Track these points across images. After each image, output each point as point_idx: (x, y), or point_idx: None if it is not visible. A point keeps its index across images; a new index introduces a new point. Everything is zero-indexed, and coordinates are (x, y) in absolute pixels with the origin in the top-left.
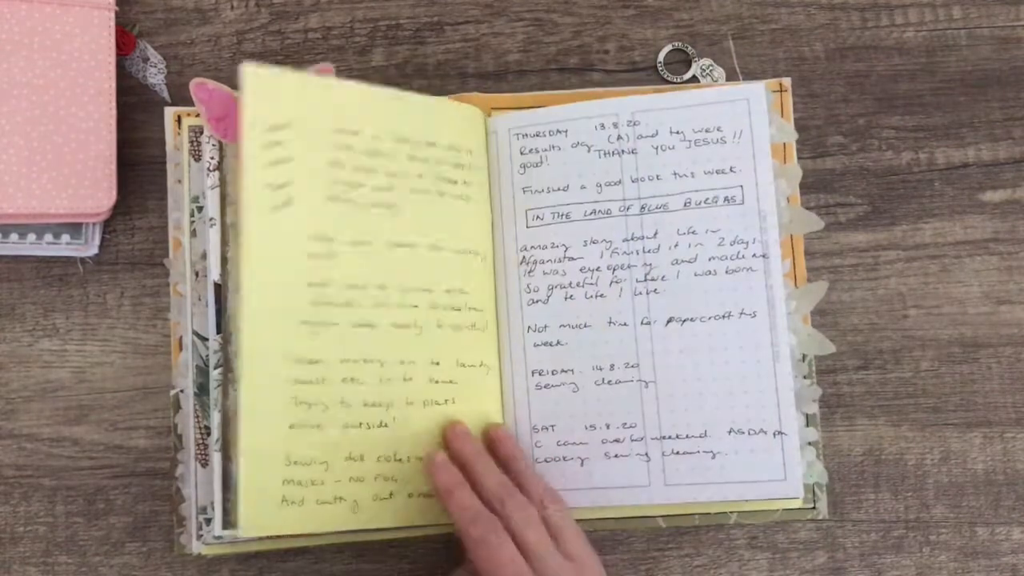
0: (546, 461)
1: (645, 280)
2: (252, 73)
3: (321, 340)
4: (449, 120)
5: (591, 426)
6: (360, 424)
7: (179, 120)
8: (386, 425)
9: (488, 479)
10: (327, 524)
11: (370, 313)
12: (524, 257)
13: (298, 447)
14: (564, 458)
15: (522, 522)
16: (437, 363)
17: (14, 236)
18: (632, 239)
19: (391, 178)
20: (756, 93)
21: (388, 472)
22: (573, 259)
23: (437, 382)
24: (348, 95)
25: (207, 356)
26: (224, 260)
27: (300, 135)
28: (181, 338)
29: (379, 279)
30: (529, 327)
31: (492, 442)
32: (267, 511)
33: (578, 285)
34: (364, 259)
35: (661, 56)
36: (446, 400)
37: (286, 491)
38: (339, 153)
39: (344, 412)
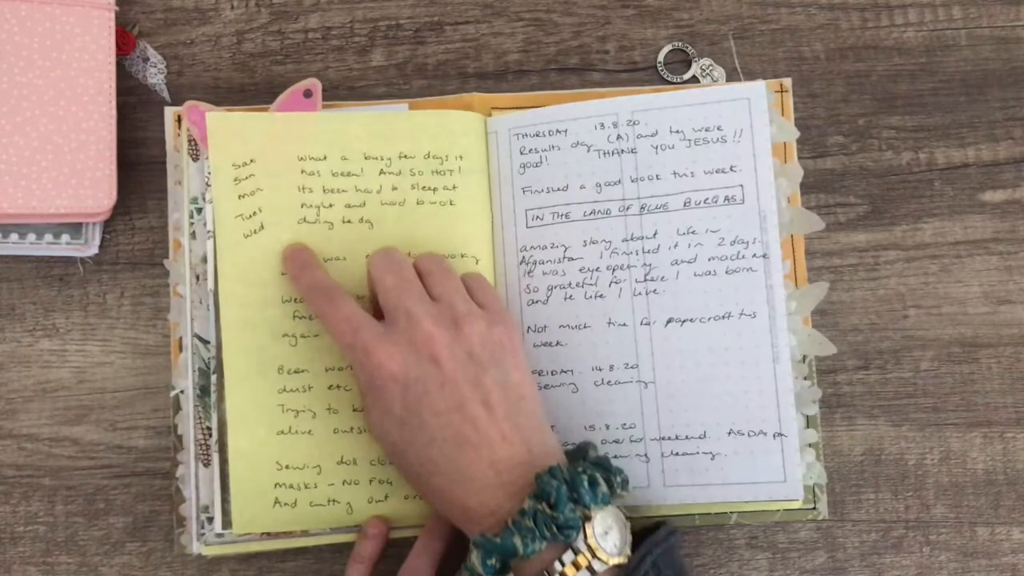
0: None
1: (645, 280)
2: (213, 117)
3: (303, 351)
4: (426, 131)
5: (590, 426)
6: (351, 429)
7: (179, 120)
8: None
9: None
10: (321, 524)
11: None
12: (524, 257)
13: (288, 452)
14: None
15: (439, 277)
16: None
17: (14, 236)
18: (632, 239)
19: (363, 194)
20: (757, 92)
21: (382, 475)
22: (573, 259)
23: None
24: (311, 125)
25: (209, 359)
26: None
27: (265, 168)
28: (181, 339)
29: (357, 291)
30: (529, 327)
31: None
32: (260, 513)
33: (578, 285)
34: (340, 273)
35: (661, 56)
36: None
37: (278, 494)
38: (306, 179)
39: (333, 418)
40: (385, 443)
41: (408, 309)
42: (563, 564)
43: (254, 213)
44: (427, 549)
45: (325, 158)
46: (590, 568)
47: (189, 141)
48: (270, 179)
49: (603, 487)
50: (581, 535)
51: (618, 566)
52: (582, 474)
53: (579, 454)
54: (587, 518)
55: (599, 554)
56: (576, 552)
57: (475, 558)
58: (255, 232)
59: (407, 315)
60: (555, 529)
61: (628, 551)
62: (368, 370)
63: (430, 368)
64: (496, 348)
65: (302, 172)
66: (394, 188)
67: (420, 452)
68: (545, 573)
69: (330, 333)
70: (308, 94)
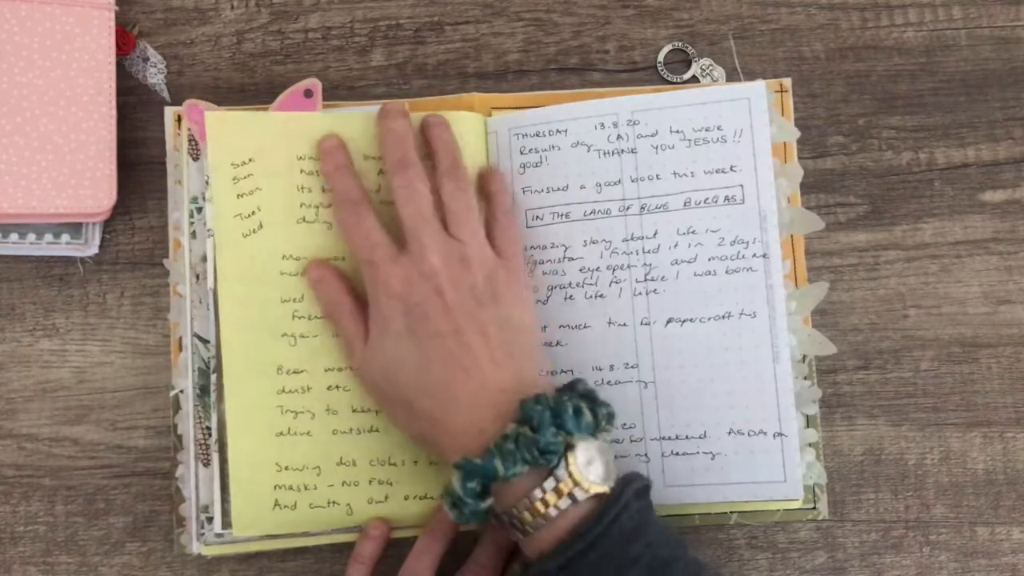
0: None
1: (645, 280)
2: (212, 116)
3: (302, 351)
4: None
5: None
6: (350, 430)
7: (179, 120)
8: (377, 430)
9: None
10: (321, 526)
11: None
12: (524, 257)
13: (287, 454)
14: None
15: (460, 215)
16: None
17: (14, 236)
18: (632, 239)
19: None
20: (757, 92)
21: (382, 476)
22: (572, 259)
23: None
24: (309, 125)
25: (208, 359)
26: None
27: (264, 167)
28: (181, 338)
29: (360, 290)
30: None
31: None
32: (260, 516)
33: (578, 285)
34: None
35: (661, 56)
36: None
37: (278, 496)
38: (305, 179)
39: (332, 419)
40: (377, 366)
41: (422, 242)
42: (544, 491)
43: (253, 212)
44: (428, 550)
45: None
46: (571, 495)
47: (189, 140)
48: (269, 178)
49: (587, 417)
50: (563, 463)
51: (599, 495)
52: (567, 402)
53: (569, 387)
54: (570, 446)
55: (581, 482)
56: (558, 480)
57: (455, 481)
58: (254, 231)
59: (420, 246)
60: (536, 452)
61: (612, 483)
62: (375, 285)
63: (433, 296)
64: (500, 287)
65: (301, 172)
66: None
67: (412, 373)
68: (526, 500)
69: (348, 243)
70: (308, 94)
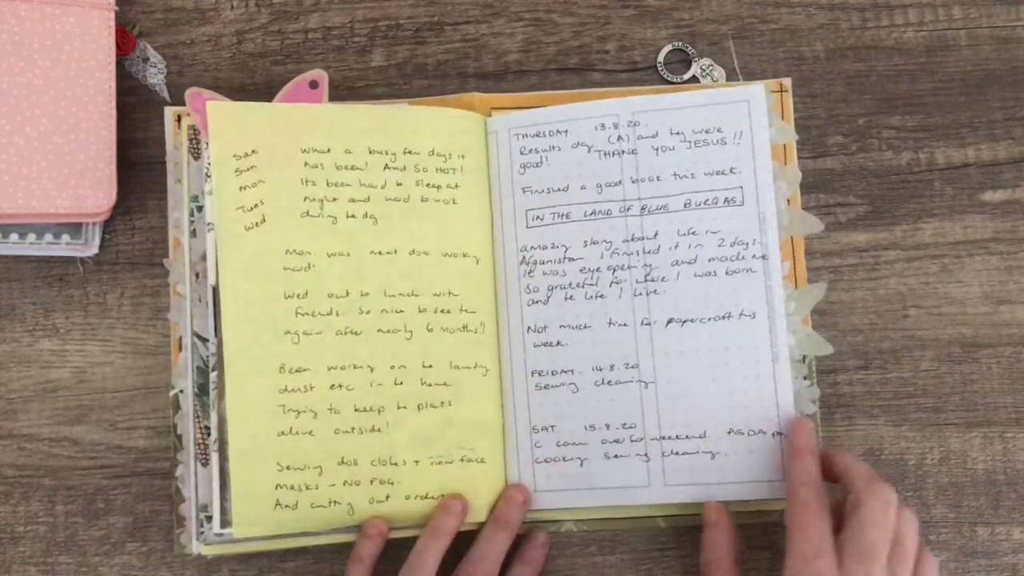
0: (546, 461)
1: (645, 281)
2: (214, 107)
3: (305, 349)
4: (430, 128)
5: (591, 426)
6: (352, 429)
7: (179, 120)
8: (379, 430)
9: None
10: (322, 525)
11: (354, 320)
12: (524, 257)
13: (289, 453)
14: (564, 458)
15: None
16: (429, 366)
17: (14, 236)
18: (632, 240)
19: (367, 189)
20: (756, 95)
21: (384, 475)
22: (573, 260)
23: (430, 384)
24: (314, 117)
25: (207, 357)
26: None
27: (267, 159)
28: (181, 338)
29: (361, 287)
30: (529, 327)
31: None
32: (261, 515)
33: (578, 286)
34: (343, 269)
35: (661, 56)
36: (442, 402)
37: (279, 495)
38: (309, 172)
39: (334, 418)
40: None
41: None
42: None
43: (255, 205)
44: (430, 548)
45: (329, 151)
46: None
47: (189, 139)
48: (272, 171)
49: None
50: None
51: None
52: None
53: None
54: None
55: None
56: None
57: None
58: (256, 225)
59: None
60: None
61: None
62: None
63: None
64: None
65: (305, 164)
66: (399, 184)
67: None
68: None
69: None
70: (314, 85)
